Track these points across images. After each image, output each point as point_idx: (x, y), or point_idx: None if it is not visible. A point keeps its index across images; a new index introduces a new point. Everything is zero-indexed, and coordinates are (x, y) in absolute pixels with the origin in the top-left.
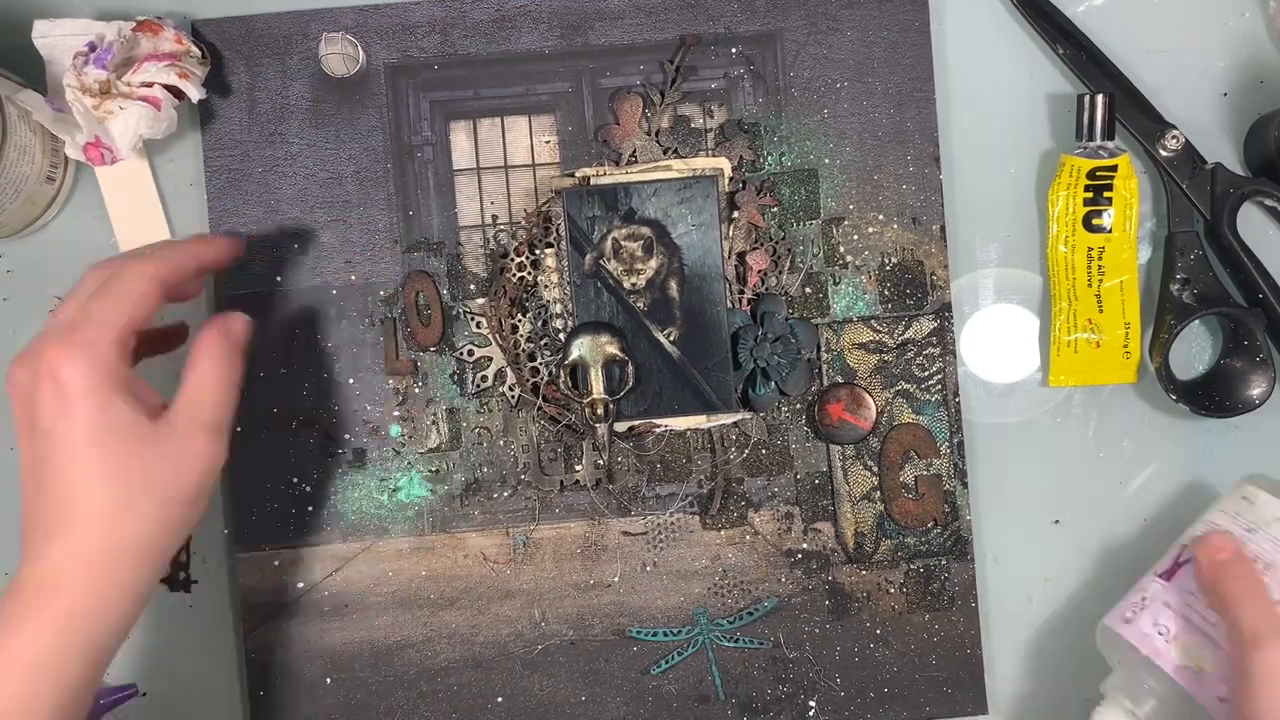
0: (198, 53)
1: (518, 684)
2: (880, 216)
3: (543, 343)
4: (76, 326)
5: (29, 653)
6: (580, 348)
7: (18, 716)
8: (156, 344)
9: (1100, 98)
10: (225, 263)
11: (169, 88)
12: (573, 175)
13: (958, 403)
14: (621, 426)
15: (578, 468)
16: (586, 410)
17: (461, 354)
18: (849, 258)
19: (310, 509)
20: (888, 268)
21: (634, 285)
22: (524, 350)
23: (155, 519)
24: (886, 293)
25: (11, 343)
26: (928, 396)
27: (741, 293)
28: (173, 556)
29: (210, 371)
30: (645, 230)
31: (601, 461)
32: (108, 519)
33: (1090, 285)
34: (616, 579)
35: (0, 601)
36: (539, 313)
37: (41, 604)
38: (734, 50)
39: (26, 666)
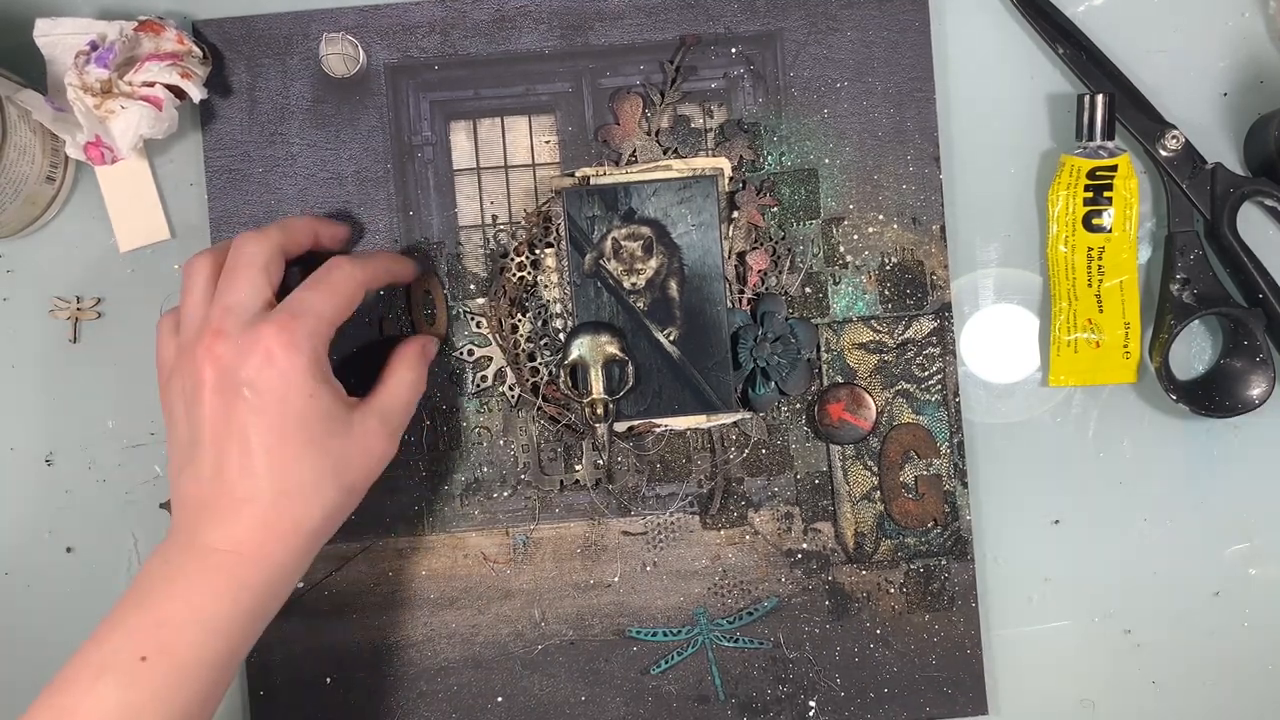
0: (199, 53)
1: (518, 684)
2: (880, 216)
3: (543, 343)
4: (297, 315)
5: (210, 608)
6: (580, 348)
7: (191, 664)
8: None
9: (1100, 98)
10: (407, 282)
11: (170, 87)
12: (573, 175)
13: (958, 403)
14: (621, 426)
15: (578, 468)
16: (586, 410)
17: (461, 354)
18: (849, 258)
19: None
20: (888, 268)
21: (634, 285)
22: (524, 350)
23: (334, 504)
24: (886, 293)
25: (12, 343)
26: (928, 396)
27: (741, 293)
28: None
29: (406, 380)
30: (645, 230)
31: (601, 461)
32: (299, 497)
33: (1090, 285)
34: (616, 579)
35: (182, 558)
36: (539, 313)
37: (229, 571)
38: (734, 50)
39: (206, 619)
